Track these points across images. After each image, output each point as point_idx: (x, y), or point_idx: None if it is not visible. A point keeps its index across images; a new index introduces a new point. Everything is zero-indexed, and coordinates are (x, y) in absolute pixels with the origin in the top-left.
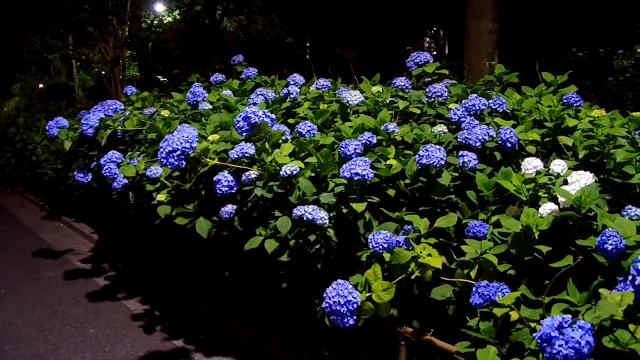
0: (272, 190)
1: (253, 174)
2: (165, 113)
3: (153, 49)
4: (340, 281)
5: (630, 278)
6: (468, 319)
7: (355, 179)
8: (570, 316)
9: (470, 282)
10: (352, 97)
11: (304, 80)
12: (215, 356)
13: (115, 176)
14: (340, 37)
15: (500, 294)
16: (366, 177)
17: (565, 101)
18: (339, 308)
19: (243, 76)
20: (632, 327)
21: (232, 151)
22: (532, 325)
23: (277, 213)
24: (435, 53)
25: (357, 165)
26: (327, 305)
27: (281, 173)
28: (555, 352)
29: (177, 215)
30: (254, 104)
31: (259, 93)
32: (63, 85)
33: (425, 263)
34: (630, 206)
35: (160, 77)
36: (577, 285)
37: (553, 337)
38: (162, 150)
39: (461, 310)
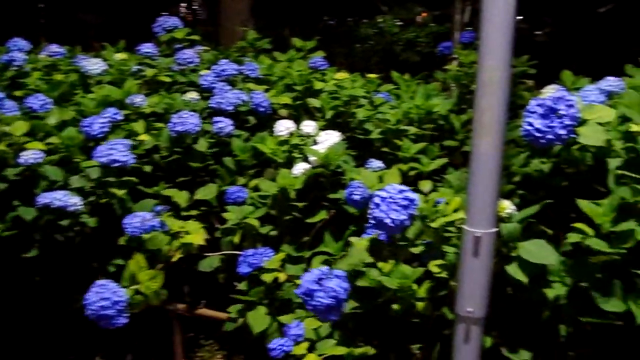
0: (7, 180)
1: None
2: None
3: None
4: (101, 282)
5: (369, 211)
6: (236, 284)
7: (113, 165)
8: (327, 267)
9: (236, 252)
10: (93, 65)
11: (31, 46)
12: None
13: None
14: (81, 1)
15: (266, 258)
16: (127, 163)
17: (312, 65)
18: (105, 312)
19: None
20: (380, 264)
21: None
22: (297, 282)
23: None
24: (191, 19)
25: (116, 150)
26: (92, 311)
27: (20, 161)
28: (316, 303)
29: None
30: None
31: None
32: None
33: (187, 242)
34: (371, 159)
35: None
36: (333, 236)
37: (313, 290)
38: None
39: (231, 277)
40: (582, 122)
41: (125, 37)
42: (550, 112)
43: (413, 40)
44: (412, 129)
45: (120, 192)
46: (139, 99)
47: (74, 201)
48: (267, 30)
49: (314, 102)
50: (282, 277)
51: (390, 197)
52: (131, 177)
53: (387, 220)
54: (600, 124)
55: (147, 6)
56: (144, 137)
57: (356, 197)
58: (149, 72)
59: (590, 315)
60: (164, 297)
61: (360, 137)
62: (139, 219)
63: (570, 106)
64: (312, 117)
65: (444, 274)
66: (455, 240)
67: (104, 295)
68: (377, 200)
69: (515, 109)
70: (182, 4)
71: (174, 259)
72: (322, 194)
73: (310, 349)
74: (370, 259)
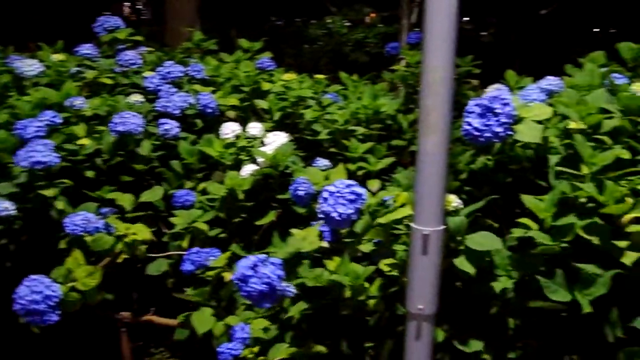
0: None
1: None
2: None
3: None
4: (33, 276)
5: (318, 206)
6: (186, 289)
7: (37, 167)
8: (265, 255)
9: (183, 253)
10: (28, 66)
11: None
12: None
13: None
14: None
15: (212, 257)
16: (51, 164)
17: (259, 66)
18: (36, 306)
19: None
20: (326, 262)
21: None
22: None
23: None
24: (135, 19)
25: (37, 151)
26: (21, 306)
27: None
28: (250, 289)
29: None
30: None
31: None
32: None
33: (132, 240)
34: (318, 158)
35: None
36: (281, 236)
37: (247, 275)
38: None
39: (181, 282)
40: (518, 120)
41: (63, 37)
42: (487, 111)
43: (362, 40)
44: (360, 129)
45: (50, 193)
46: (79, 102)
47: (5, 206)
48: (213, 30)
49: (262, 104)
50: (227, 276)
51: (338, 192)
52: (70, 180)
53: (334, 214)
54: (539, 121)
55: (87, 5)
56: (84, 141)
57: (301, 193)
58: (90, 74)
59: (536, 307)
60: (103, 296)
61: (309, 137)
62: (80, 217)
63: (506, 104)
64: (260, 119)
65: (394, 272)
66: (404, 238)
67: (36, 288)
68: (325, 194)
69: (460, 108)
70: (126, 3)
71: (119, 260)
72: (271, 194)
73: (261, 352)
74: (307, 248)
